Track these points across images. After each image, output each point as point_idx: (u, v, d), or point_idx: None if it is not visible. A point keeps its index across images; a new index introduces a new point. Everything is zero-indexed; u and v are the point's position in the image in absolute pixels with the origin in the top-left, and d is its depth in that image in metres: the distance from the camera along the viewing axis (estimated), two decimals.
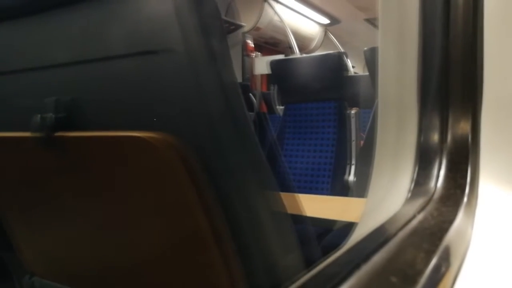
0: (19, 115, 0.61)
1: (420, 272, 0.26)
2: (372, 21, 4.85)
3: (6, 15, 0.60)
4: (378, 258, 0.27)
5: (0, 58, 0.63)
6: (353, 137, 2.22)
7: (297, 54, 4.30)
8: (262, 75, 4.18)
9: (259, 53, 4.32)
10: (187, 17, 0.49)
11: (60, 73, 0.58)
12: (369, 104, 2.25)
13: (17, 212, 0.72)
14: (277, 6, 4.21)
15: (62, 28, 0.57)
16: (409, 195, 0.46)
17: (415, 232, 0.34)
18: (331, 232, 1.23)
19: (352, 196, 1.98)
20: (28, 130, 0.56)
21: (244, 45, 4.04)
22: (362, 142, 2.15)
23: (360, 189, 1.85)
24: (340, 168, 2.18)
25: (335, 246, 0.37)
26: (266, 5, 4.09)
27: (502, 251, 0.39)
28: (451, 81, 0.49)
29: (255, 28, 4.14)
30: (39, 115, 0.55)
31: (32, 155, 0.61)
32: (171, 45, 0.48)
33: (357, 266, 0.24)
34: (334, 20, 5.04)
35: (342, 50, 4.65)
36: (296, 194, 0.91)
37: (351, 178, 2.16)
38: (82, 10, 0.54)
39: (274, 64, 2.38)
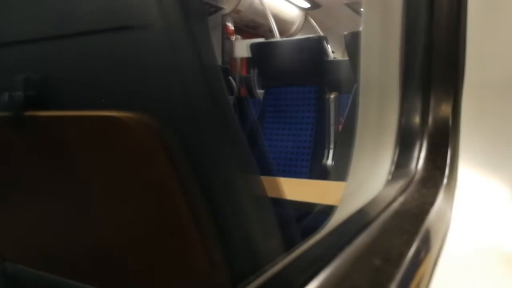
0: None
1: (403, 254, 0.26)
2: (352, 6, 4.85)
3: None
4: (361, 240, 0.27)
5: None
6: (332, 122, 2.23)
7: (277, 37, 4.27)
8: (242, 59, 4.14)
9: (239, 36, 4.27)
10: None
11: (30, 50, 0.56)
12: (348, 89, 2.26)
13: None
14: None
15: (32, 2, 0.54)
16: (390, 177, 0.46)
17: (396, 214, 0.34)
18: (309, 216, 1.24)
19: (330, 180, 2.00)
20: None
21: (224, 28, 3.98)
22: (340, 127, 2.17)
23: (338, 173, 1.87)
24: (319, 152, 2.20)
25: (314, 229, 0.37)
26: None
27: (480, 231, 0.40)
28: (433, 64, 0.49)
29: (236, 11, 4.08)
30: (7, 94, 0.52)
31: (1, 135, 0.58)
32: (148, 21, 0.46)
33: (340, 249, 0.24)
34: (314, 4, 5.01)
35: (322, 34, 4.65)
36: (276, 178, 0.91)
37: (329, 162, 2.18)
38: None
39: (254, 47, 2.36)
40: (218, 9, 3.60)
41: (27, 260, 0.72)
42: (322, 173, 2.16)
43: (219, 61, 3.84)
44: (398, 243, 0.28)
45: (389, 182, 0.45)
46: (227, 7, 3.92)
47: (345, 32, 2.20)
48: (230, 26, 4.06)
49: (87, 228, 0.60)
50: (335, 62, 2.76)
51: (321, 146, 2.21)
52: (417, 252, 0.28)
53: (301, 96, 2.26)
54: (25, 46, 0.56)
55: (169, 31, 0.47)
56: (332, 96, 2.26)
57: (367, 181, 0.48)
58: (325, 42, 2.28)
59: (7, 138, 0.57)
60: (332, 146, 2.21)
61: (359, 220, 0.32)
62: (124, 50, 0.48)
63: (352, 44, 1.99)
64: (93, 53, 0.50)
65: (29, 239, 0.70)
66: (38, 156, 0.57)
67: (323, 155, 2.22)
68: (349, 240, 0.26)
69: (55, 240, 0.66)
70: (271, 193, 0.62)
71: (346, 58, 2.57)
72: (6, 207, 0.67)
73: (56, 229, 0.64)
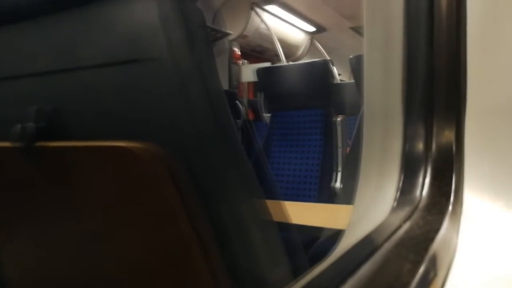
0: (0, 125, 0.59)
1: (406, 284, 0.26)
2: (357, 30, 4.92)
3: None
4: (364, 271, 0.27)
5: None
6: (340, 144, 2.23)
7: (283, 61, 4.33)
8: (249, 83, 4.19)
9: (246, 60, 4.33)
10: (173, 26, 0.48)
11: (43, 82, 0.57)
12: (355, 111, 2.27)
13: None
14: (263, 14, 4.24)
15: (45, 36, 0.56)
16: (395, 204, 0.46)
17: (401, 242, 0.34)
18: (319, 241, 1.23)
19: (339, 203, 1.99)
20: (8, 140, 0.55)
21: (231, 53, 4.05)
22: (348, 149, 2.17)
23: (347, 196, 1.86)
24: (327, 175, 2.19)
25: (323, 254, 0.37)
26: (252, 13, 4.11)
27: (487, 258, 0.40)
28: (435, 90, 0.50)
29: (242, 36, 4.16)
30: (19, 125, 0.53)
31: (13, 166, 0.59)
32: (156, 54, 0.48)
33: (343, 281, 0.24)
34: (320, 28, 5.09)
35: (328, 58, 4.69)
36: (282, 202, 0.91)
37: (338, 185, 2.17)
38: (66, 18, 0.53)
39: (260, 72, 2.39)
40: (225, 34, 3.67)
41: None
42: (331, 196, 2.15)
43: (227, 86, 3.88)
44: (401, 274, 0.28)
45: (394, 209, 0.45)
46: (234, 33, 3.99)
47: (351, 56, 2.23)
48: (237, 51, 4.12)
49: (95, 256, 0.60)
50: (341, 85, 2.78)
51: (329, 169, 2.20)
52: (421, 281, 0.28)
53: (308, 119, 2.27)
54: (37, 79, 0.58)
55: (176, 62, 0.49)
56: (339, 119, 2.27)
57: (373, 208, 0.48)
58: (331, 65, 2.30)
59: (20, 168, 0.58)
60: (340, 169, 2.20)
61: (363, 250, 0.32)
62: (132, 83, 0.50)
63: (358, 67, 2.01)
64: (102, 85, 0.52)
65: (38, 268, 0.70)
66: (49, 185, 0.58)
67: (331, 178, 2.21)
68: (352, 272, 0.26)
69: (64, 269, 0.66)
70: (278, 218, 0.62)
71: (353, 80, 2.59)
72: (16, 237, 0.68)
73: (65, 258, 0.64)
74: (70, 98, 0.55)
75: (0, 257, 0.72)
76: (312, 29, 5.07)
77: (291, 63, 3.87)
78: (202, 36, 0.52)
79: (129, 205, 0.53)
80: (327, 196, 2.13)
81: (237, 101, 2.95)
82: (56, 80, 0.56)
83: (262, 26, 4.27)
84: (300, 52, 5.25)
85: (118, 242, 0.56)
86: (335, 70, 2.48)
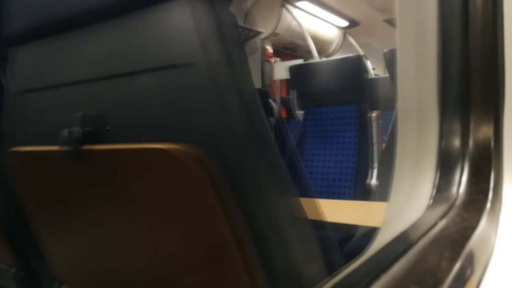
0: (50, 130, 0.63)
1: (440, 281, 0.26)
2: (391, 22, 4.79)
3: (36, 35, 0.63)
4: (398, 267, 0.27)
5: (31, 76, 0.66)
6: (375, 140, 2.19)
7: (316, 58, 4.29)
8: (281, 80, 4.18)
9: (278, 58, 4.33)
10: (206, 31, 0.50)
11: (87, 89, 0.61)
12: (390, 106, 2.22)
13: (47, 222, 0.74)
14: (295, 11, 4.22)
15: (88, 46, 0.59)
16: (431, 201, 0.45)
17: (436, 239, 0.34)
18: (354, 238, 1.22)
19: (374, 199, 1.96)
20: (57, 144, 0.58)
21: (263, 51, 4.06)
22: (384, 145, 2.13)
23: (383, 193, 1.83)
24: (362, 171, 2.16)
25: (358, 252, 0.37)
26: (284, 11, 4.10)
27: None
28: (471, 84, 0.48)
29: (274, 34, 4.15)
30: (67, 130, 0.57)
31: (61, 167, 0.63)
32: (191, 58, 0.50)
33: (376, 276, 0.25)
34: (352, 23, 5.00)
35: (361, 52, 4.61)
36: (317, 200, 0.91)
37: (374, 181, 2.14)
38: (107, 28, 0.56)
39: (293, 69, 2.39)
40: (257, 33, 3.69)
41: (82, 283, 0.76)
42: (367, 193, 2.12)
43: (259, 84, 3.89)
44: (436, 270, 0.28)
45: (430, 206, 0.44)
46: (265, 31, 3.99)
47: (385, 50, 2.18)
48: (269, 49, 4.13)
49: (138, 254, 0.63)
50: (375, 80, 2.73)
51: (364, 166, 2.17)
52: (457, 278, 0.28)
53: (342, 115, 2.24)
54: (81, 86, 0.61)
55: (211, 66, 0.50)
56: (374, 114, 2.23)
57: (408, 205, 0.48)
58: (364, 60, 2.26)
59: (66, 170, 0.62)
60: (376, 165, 2.16)
61: (398, 246, 0.33)
62: (170, 87, 0.52)
63: (392, 61, 1.97)
64: (142, 90, 0.54)
65: (85, 264, 0.74)
66: (93, 186, 0.61)
67: (367, 174, 2.17)
68: (387, 267, 0.26)
69: (108, 264, 0.70)
70: (312, 216, 0.62)
71: (387, 75, 2.54)
72: (64, 234, 0.72)
73: (109, 253, 0.68)
74: (112, 103, 0.58)
75: (49, 255, 0.77)
76: (344, 23, 4.99)
77: (324, 59, 3.84)
78: (234, 39, 0.54)
79: (169, 205, 0.55)
80: (363, 193, 2.10)
81: (270, 99, 2.95)
82: (99, 86, 0.59)
83: (294, 23, 4.25)
84: (332, 47, 5.18)
85: (158, 241, 0.59)
86: (369, 65, 2.44)
